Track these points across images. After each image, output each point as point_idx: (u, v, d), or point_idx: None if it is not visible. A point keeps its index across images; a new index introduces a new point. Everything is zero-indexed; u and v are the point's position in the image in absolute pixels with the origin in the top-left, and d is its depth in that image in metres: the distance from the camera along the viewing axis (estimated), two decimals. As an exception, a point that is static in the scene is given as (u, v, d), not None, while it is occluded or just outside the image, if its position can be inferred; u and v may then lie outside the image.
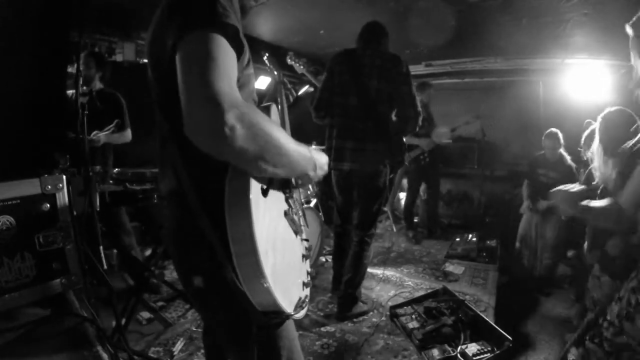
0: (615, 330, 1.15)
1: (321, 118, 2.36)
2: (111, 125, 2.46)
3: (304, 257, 1.04)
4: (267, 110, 0.94)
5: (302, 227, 1.09)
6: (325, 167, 0.93)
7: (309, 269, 1.08)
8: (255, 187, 0.73)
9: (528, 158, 3.48)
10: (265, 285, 0.70)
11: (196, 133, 0.64)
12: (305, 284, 0.96)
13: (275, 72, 1.51)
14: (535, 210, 3.13)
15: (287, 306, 0.76)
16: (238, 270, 0.70)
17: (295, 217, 1.00)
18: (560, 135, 3.01)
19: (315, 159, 0.86)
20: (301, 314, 0.87)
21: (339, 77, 2.25)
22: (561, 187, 1.36)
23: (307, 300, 0.90)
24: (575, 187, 1.33)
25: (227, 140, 0.61)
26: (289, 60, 2.68)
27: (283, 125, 1.18)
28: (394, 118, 2.30)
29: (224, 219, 0.70)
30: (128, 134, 2.74)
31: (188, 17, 0.66)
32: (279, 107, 1.21)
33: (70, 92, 2.22)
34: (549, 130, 3.05)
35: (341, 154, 2.28)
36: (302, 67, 2.64)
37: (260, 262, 0.68)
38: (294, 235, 0.97)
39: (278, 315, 0.76)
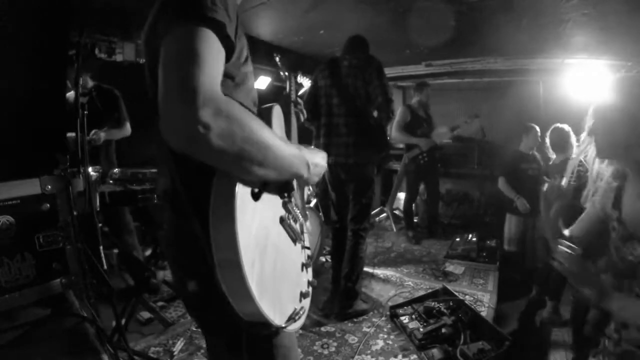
0: (614, 341, 1.13)
1: (308, 121, 2.53)
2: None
3: (304, 265, 0.98)
4: (268, 111, 0.89)
5: (304, 235, 1.01)
6: (323, 163, 0.87)
7: (311, 279, 1.01)
8: (242, 191, 0.67)
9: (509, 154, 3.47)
10: (249, 297, 0.64)
11: (168, 132, 0.59)
12: (303, 295, 0.90)
13: (287, 90, 1.38)
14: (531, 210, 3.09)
15: (277, 318, 0.71)
16: (221, 280, 0.65)
17: (295, 224, 0.91)
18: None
19: (308, 157, 0.79)
20: (294, 326, 0.80)
21: (322, 82, 2.46)
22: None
23: (302, 312, 0.83)
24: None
25: (202, 140, 0.56)
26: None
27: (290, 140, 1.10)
28: (375, 114, 2.46)
29: None
30: (127, 128, 2.74)
31: (175, 13, 0.64)
32: (290, 125, 1.14)
33: (70, 92, 2.22)
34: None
35: (328, 150, 2.39)
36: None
37: (244, 273, 0.62)
38: (291, 242, 0.89)
39: (266, 327, 0.71)
